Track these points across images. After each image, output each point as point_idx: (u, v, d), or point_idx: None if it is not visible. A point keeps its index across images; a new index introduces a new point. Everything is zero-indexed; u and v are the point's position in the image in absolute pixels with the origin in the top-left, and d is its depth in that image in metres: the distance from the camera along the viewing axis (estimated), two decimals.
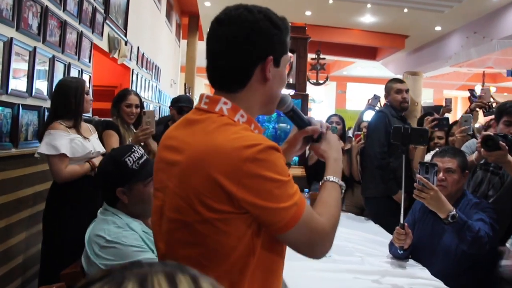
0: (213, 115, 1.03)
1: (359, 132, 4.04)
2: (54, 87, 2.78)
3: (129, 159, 1.58)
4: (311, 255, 1.02)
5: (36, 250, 3.20)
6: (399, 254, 2.32)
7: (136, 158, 1.60)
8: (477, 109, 3.42)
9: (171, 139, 1.09)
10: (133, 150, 1.63)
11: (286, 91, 4.26)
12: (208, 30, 1.08)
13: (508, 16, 8.63)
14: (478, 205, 2.22)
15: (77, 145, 2.56)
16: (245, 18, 1.01)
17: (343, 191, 1.15)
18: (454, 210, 2.01)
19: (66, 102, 2.61)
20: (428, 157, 3.14)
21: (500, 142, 2.10)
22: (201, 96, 1.08)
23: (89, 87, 2.78)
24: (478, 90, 3.89)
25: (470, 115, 2.87)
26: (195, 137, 1.00)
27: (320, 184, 1.15)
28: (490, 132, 2.38)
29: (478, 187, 2.56)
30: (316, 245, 1.01)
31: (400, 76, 4.44)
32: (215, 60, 1.05)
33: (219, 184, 0.93)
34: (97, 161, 2.57)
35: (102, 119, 3.56)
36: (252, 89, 1.05)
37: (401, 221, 2.28)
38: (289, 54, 1.14)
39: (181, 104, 3.79)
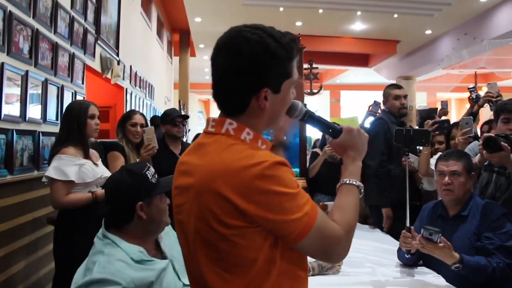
0: (221, 136, 1.07)
1: None
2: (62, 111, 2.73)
3: (148, 173, 1.60)
4: (327, 261, 1.17)
5: (36, 278, 3.13)
6: (407, 259, 2.28)
7: (153, 172, 1.62)
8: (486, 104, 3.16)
9: (183, 164, 1.13)
10: (148, 165, 1.65)
11: None
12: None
13: (497, 17, 8.68)
14: (488, 207, 2.18)
15: (87, 170, 2.52)
16: (240, 50, 1.02)
17: (362, 190, 1.14)
18: (458, 260, 1.97)
19: (70, 127, 2.57)
20: (432, 163, 3.09)
21: (502, 143, 2.07)
22: (208, 120, 1.11)
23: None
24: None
25: (471, 117, 2.82)
26: (205, 159, 1.04)
27: (337, 187, 1.15)
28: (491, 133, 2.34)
29: (485, 189, 2.51)
30: (331, 251, 1.04)
31: (393, 81, 4.38)
32: (217, 86, 1.09)
33: (231, 202, 0.96)
34: (100, 192, 2.51)
35: (99, 140, 3.49)
36: (252, 114, 1.07)
37: (407, 224, 2.27)
38: (296, 76, 1.11)
39: (172, 116, 3.42)
